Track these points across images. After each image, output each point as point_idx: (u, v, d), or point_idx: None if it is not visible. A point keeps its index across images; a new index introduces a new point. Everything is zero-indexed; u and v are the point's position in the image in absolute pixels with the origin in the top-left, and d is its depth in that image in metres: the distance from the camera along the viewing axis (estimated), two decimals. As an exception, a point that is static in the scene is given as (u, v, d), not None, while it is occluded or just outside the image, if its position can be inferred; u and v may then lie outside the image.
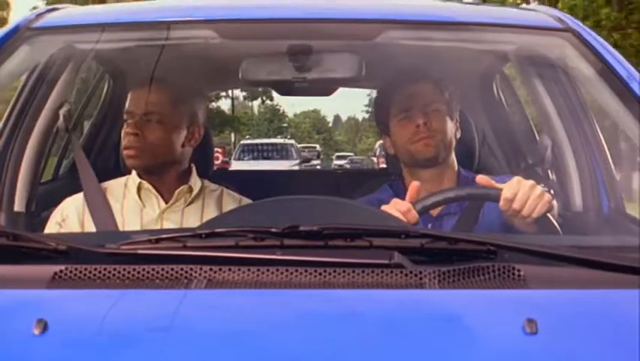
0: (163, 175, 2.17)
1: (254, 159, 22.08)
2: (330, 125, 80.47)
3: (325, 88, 3.04)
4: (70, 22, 2.06)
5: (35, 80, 2.23)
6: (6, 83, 2.01)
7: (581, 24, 2.03)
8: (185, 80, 2.28)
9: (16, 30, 1.96)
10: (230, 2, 2.20)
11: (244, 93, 41.04)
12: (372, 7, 2.10)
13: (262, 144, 24.78)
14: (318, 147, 48.70)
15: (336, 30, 2.02)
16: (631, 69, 1.83)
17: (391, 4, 2.17)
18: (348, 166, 33.47)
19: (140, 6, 2.25)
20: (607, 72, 1.83)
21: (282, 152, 23.06)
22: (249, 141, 27.39)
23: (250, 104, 52.14)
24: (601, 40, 1.95)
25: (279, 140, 28.32)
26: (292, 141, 27.25)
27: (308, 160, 24.90)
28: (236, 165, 19.40)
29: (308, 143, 51.83)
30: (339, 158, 42.77)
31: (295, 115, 72.03)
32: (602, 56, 1.87)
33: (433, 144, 2.09)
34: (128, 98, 2.18)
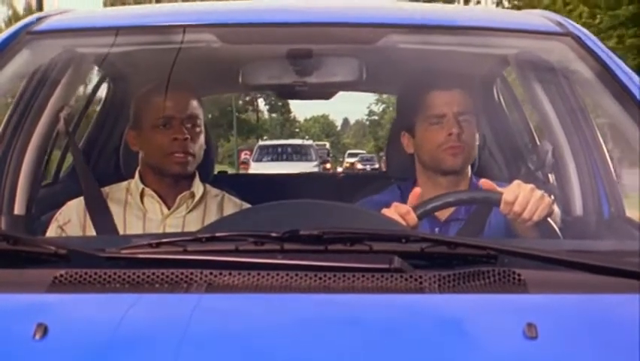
0: (177, 181, 2.16)
1: (272, 160, 21.58)
2: (339, 128, 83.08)
3: (325, 92, 3.04)
4: (70, 26, 2.06)
5: (36, 83, 2.23)
6: (6, 86, 2.01)
7: (581, 28, 2.03)
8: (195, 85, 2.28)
9: (16, 34, 1.96)
10: (231, 6, 2.20)
11: (267, 107, 53.30)
12: (372, 12, 2.10)
13: (280, 145, 24.07)
14: (327, 145, 49.09)
15: (336, 34, 2.02)
16: (631, 73, 1.83)
17: (392, 8, 2.18)
18: (360, 165, 33.31)
19: (141, 10, 2.26)
20: (607, 76, 1.83)
21: (300, 153, 22.47)
22: (267, 142, 26.66)
23: (267, 113, 58.73)
24: (601, 44, 1.95)
25: (297, 141, 27.32)
26: (310, 142, 26.50)
27: (326, 161, 24.40)
28: (255, 167, 19.04)
29: (318, 142, 52.52)
30: (350, 155, 42.64)
31: (305, 120, 76.25)
32: (602, 60, 1.87)
33: (461, 156, 2.09)
34: (155, 102, 2.13)
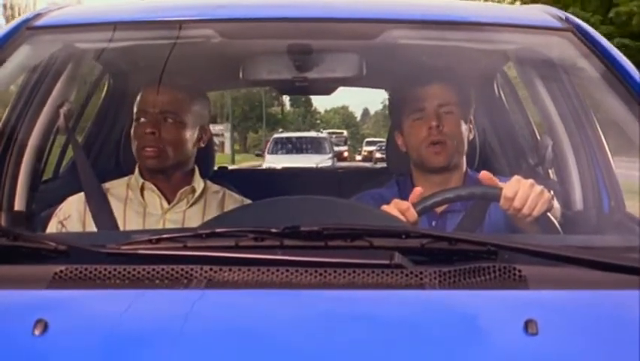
0: (169, 176, 2.16)
1: (287, 152, 21.60)
2: (358, 119, 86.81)
3: (326, 87, 3.04)
4: (70, 21, 2.05)
5: (36, 79, 2.23)
6: (6, 82, 2.01)
7: (582, 23, 2.02)
8: (192, 80, 2.28)
9: (16, 29, 1.96)
10: (231, 1, 2.20)
11: (291, 102, 61.01)
12: (372, 7, 2.10)
13: (295, 138, 24.04)
14: (345, 132, 49.13)
15: (336, 29, 2.02)
16: (632, 68, 1.82)
17: (392, 3, 2.17)
18: (379, 155, 33.08)
19: (141, 5, 2.25)
20: (608, 71, 1.83)
21: (315, 146, 22.46)
22: (281, 135, 26.60)
23: (289, 106, 66.09)
24: (602, 38, 1.94)
25: (312, 133, 27.26)
26: (325, 135, 26.42)
27: (340, 155, 24.26)
28: (269, 159, 19.08)
29: (335, 130, 53.29)
30: (369, 144, 41.62)
31: (326, 111, 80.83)
32: (603, 54, 1.87)
33: (444, 152, 2.07)
34: (140, 97, 2.16)
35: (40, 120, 2.20)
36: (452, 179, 2.13)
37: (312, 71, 2.25)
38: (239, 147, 46.81)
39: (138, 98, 2.17)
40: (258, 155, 19.37)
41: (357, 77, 2.25)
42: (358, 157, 39.47)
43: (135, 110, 2.16)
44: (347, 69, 2.21)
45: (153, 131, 2.09)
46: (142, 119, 2.12)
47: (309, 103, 64.03)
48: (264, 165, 16.92)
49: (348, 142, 44.32)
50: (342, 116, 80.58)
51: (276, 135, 26.14)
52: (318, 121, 72.71)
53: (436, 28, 2.00)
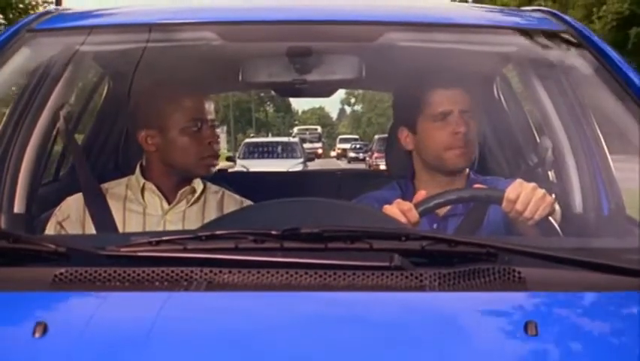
0: (178, 178, 2.15)
1: (258, 157, 21.76)
2: (335, 119, 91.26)
3: (325, 89, 3.04)
4: (70, 23, 2.06)
5: (36, 81, 2.22)
6: (6, 84, 2.01)
7: (581, 24, 2.03)
8: (193, 82, 2.27)
9: (17, 32, 1.96)
10: (231, 4, 2.20)
11: (275, 107, 69.31)
12: (372, 10, 2.10)
13: (266, 143, 24.29)
14: (319, 128, 49.07)
15: (336, 32, 2.02)
16: (630, 69, 1.83)
17: (391, 6, 2.18)
18: (352, 154, 32.77)
19: (141, 8, 2.25)
20: (606, 72, 1.83)
21: (286, 150, 22.64)
22: (253, 140, 26.88)
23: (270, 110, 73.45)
24: (600, 40, 1.95)
25: (283, 138, 27.67)
26: (296, 140, 26.72)
27: (312, 159, 24.58)
28: (241, 164, 19.22)
29: (310, 126, 53.75)
30: (342, 141, 41.48)
31: (303, 112, 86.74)
32: (602, 56, 1.87)
33: (467, 155, 2.07)
34: (186, 104, 2.10)
35: (40, 123, 2.19)
36: (457, 181, 2.12)
37: (311, 73, 2.25)
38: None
39: (178, 104, 2.10)
40: (228, 159, 19.28)
41: (356, 79, 2.26)
42: (333, 153, 39.77)
43: (178, 118, 2.09)
44: (347, 71, 2.21)
45: (217, 140, 2.11)
46: (199, 127, 2.09)
47: (288, 107, 71.36)
48: (235, 169, 17.10)
49: (323, 139, 44.39)
50: (319, 117, 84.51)
51: (247, 140, 26.31)
52: (297, 122, 77.38)
53: (435, 31, 2.00)
